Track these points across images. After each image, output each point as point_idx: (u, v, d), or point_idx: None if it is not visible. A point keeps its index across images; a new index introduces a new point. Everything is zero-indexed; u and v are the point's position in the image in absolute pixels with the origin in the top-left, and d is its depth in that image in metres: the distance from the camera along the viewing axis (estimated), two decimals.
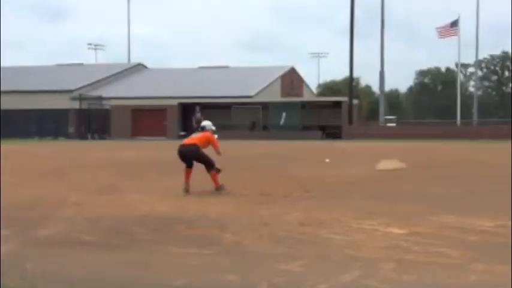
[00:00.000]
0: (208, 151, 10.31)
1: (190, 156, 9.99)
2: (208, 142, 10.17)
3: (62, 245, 5.97)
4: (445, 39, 50.80)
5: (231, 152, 24.28)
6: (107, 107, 47.52)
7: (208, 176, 10.11)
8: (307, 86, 65.42)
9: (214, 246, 5.82)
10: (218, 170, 10.08)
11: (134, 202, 8.90)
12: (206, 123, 10.63)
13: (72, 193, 9.92)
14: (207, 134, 10.30)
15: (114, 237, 6.31)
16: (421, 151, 23.41)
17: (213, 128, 10.60)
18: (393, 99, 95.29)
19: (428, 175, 12.97)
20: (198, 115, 33.07)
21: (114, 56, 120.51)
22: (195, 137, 10.23)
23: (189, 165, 10.13)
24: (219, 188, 9.91)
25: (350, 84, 46.54)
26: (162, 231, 6.62)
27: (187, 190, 9.91)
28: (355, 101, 46.19)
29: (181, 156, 10.07)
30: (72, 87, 50.90)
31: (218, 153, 10.24)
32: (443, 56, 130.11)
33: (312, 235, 6.31)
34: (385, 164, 14.42)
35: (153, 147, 27.56)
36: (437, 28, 50.58)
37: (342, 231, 6.48)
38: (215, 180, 9.98)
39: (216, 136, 10.48)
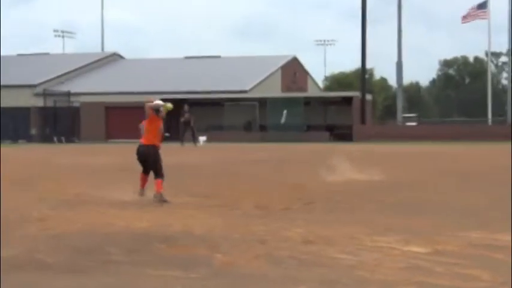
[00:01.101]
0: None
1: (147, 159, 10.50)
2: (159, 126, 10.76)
3: (21, 269, 5.94)
4: (473, 22, 50.90)
5: (222, 156, 24.32)
6: (76, 105, 47.50)
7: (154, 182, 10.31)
8: (312, 79, 65.52)
9: (201, 269, 5.80)
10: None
11: (107, 216, 8.88)
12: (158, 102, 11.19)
13: (34, 206, 9.89)
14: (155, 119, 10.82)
15: (83, 259, 6.28)
16: (445, 155, 23.45)
17: (159, 102, 11.12)
18: (413, 94, 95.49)
19: (454, 183, 12.98)
20: (187, 115, 33.05)
21: (85, 44, 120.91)
22: (149, 133, 10.71)
23: (146, 171, 10.55)
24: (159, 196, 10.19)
25: (362, 77, 46.65)
26: (140, 251, 6.59)
27: (142, 194, 10.48)
28: (368, 97, 46.32)
29: (139, 158, 10.57)
30: (35, 82, 50.90)
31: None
32: (471, 44, 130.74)
33: (316, 254, 6.30)
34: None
35: (130, 152, 27.35)
36: (462, 16, 50.67)
37: (353, 250, 6.47)
38: (159, 186, 10.26)
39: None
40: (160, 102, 10.91)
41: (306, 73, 62.67)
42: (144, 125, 10.93)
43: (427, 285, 5.17)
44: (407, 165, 18.64)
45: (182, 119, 33.10)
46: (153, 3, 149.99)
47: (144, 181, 10.66)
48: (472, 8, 50.44)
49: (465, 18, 50.51)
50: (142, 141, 10.72)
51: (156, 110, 10.70)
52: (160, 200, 10.07)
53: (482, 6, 50.25)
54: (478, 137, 38.47)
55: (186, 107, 33.43)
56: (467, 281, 5.28)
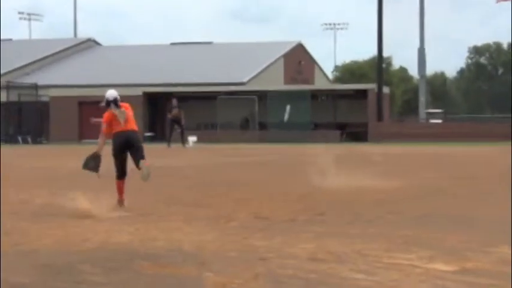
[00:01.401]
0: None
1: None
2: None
3: None
4: (508, 3, 50.87)
5: (215, 159, 24.30)
6: (45, 99, 47.50)
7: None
8: (320, 69, 65.62)
9: None
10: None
11: (82, 230, 8.89)
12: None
13: None
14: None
15: (53, 279, 6.30)
16: (474, 158, 23.47)
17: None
18: (438, 87, 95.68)
19: (485, 191, 13.00)
20: (176, 111, 33.05)
21: (55, 29, 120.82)
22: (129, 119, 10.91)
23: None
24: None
25: (379, 66, 46.68)
26: (119, 270, 6.60)
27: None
28: (385, 89, 46.32)
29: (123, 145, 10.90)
30: None
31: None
32: (505, 28, 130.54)
33: (325, 274, 6.31)
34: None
35: (107, 154, 27.32)
36: None
37: (368, 269, 6.49)
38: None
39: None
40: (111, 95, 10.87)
41: (312, 62, 62.75)
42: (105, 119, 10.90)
43: None
44: (431, 170, 18.66)
45: (170, 116, 33.12)
46: None
47: (121, 189, 10.79)
48: None
49: None
50: (121, 128, 10.82)
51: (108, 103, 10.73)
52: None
53: None
54: None
55: (174, 102, 33.46)
56: None
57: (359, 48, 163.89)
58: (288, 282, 6.05)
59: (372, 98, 43.58)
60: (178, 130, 33.16)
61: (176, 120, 32.81)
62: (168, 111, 33.41)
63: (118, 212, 10.47)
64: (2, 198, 12.27)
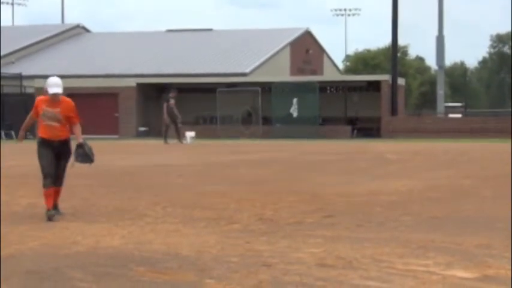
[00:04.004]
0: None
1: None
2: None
3: None
4: None
5: (214, 156, 24.29)
6: (30, 90, 47.54)
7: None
8: (330, 59, 65.62)
9: None
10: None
11: (70, 233, 8.91)
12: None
13: None
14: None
15: (39, 286, 6.31)
16: (497, 155, 23.46)
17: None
18: (458, 78, 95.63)
19: (507, 192, 12.99)
20: (172, 102, 33.10)
21: (41, 15, 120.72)
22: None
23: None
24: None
25: (393, 56, 46.67)
26: (111, 276, 6.63)
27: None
28: (400, 81, 46.32)
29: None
30: None
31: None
32: None
33: (335, 281, 6.33)
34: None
35: (98, 150, 27.36)
36: None
37: (381, 275, 6.51)
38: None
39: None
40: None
41: (321, 51, 62.72)
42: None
43: None
44: (449, 168, 18.67)
45: (166, 108, 33.05)
46: None
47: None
48: None
49: None
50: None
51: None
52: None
53: None
54: None
55: (171, 93, 33.51)
56: None
57: (372, 36, 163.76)
58: None
59: (386, 91, 43.57)
60: (180, 124, 33.31)
61: (172, 114, 32.80)
62: (165, 101, 33.42)
63: (110, 213, 10.47)
64: None
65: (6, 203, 11.79)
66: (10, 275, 6.72)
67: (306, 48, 57.94)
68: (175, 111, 33.00)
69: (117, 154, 24.29)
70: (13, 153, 27.13)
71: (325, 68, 61.84)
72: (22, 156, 24.94)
